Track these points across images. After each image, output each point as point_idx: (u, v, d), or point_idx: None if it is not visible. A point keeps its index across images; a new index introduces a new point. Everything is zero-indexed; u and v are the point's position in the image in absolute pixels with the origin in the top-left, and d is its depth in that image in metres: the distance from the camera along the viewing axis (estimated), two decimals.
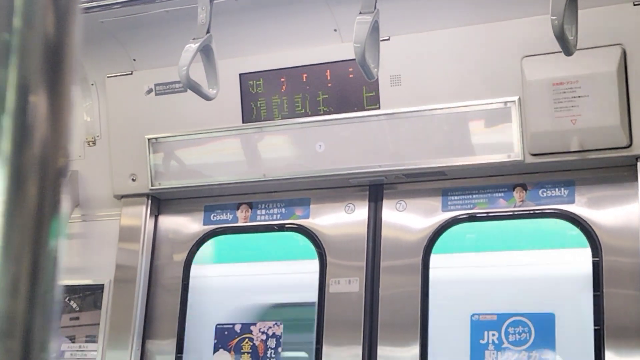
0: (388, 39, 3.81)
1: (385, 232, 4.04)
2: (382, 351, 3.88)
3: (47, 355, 0.73)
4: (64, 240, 0.77)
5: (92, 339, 4.32)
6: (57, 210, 0.76)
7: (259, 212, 4.32)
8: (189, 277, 4.35)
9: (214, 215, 4.40)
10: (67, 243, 4.44)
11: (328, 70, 4.01)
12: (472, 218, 3.94)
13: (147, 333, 4.32)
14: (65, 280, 4.38)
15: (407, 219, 4.01)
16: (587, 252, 3.66)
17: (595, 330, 3.54)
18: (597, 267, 3.62)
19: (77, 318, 4.38)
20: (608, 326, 3.52)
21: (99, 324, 4.32)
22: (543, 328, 3.68)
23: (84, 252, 4.49)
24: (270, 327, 4.16)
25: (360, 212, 4.10)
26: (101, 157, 4.47)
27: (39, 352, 0.72)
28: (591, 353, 3.54)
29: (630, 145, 3.50)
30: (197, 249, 4.39)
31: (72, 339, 4.35)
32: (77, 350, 4.32)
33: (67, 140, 0.77)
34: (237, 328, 4.21)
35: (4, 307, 0.70)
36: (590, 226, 3.67)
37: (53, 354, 0.73)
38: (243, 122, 4.16)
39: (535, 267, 3.91)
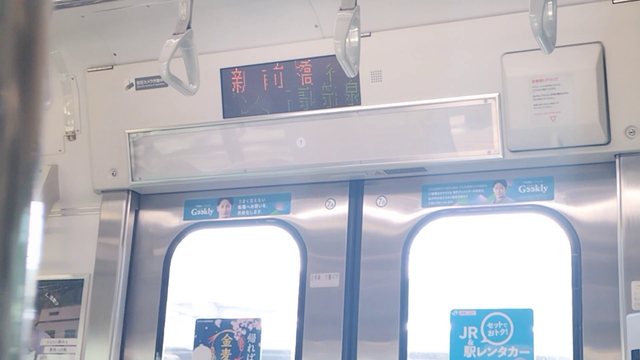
0: (369, 35, 3.82)
1: (365, 227, 4.05)
2: (362, 345, 3.89)
3: (19, 352, 0.73)
4: (36, 234, 0.77)
5: (71, 333, 4.30)
6: (29, 203, 0.76)
7: (239, 207, 4.32)
8: (169, 272, 4.35)
9: (195, 210, 4.40)
10: (47, 237, 4.43)
11: (309, 66, 4.01)
12: (452, 213, 3.96)
13: (127, 327, 4.31)
14: (45, 274, 4.37)
15: (387, 214, 4.02)
16: (566, 248, 3.68)
17: (573, 325, 3.57)
18: (576, 263, 3.64)
19: (57, 313, 4.36)
20: (586, 321, 3.54)
21: (78, 319, 4.31)
22: (522, 324, 3.70)
23: (64, 246, 4.48)
24: (250, 322, 4.16)
25: (340, 207, 4.11)
26: (81, 151, 4.46)
27: (10, 349, 0.72)
28: (570, 348, 3.56)
29: (608, 142, 3.52)
30: (177, 244, 4.39)
31: (52, 334, 4.34)
32: (57, 345, 4.31)
33: (38, 133, 0.77)
34: (217, 323, 4.21)
35: None
36: (569, 222, 3.70)
37: (25, 348, 0.73)
38: (224, 117, 4.16)
39: (514, 263, 3.93)
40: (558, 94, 3.54)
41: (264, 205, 4.28)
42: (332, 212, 4.12)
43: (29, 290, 0.76)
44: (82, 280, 4.36)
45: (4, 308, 0.72)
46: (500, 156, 3.71)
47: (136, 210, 4.47)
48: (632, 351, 3.28)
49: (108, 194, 4.44)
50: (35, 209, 0.76)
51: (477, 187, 3.91)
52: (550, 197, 3.76)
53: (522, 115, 3.62)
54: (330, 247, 4.07)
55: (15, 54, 0.76)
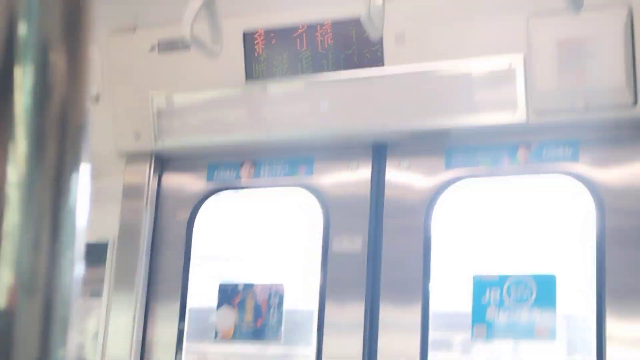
0: None
1: (388, 190, 4.04)
2: (385, 307, 3.90)
3: (69, 312, 0.74)
4: (85, 196, 0.77)
5: (97, 293, 4.34)
6: (78, 167, 0.76)
7: (262, 170, 4.32)
8: (192, 235, 4.37)
9: (218, 174, 4.40)
10: None
11: (332, 28, 3.99)
12: (475, 176, 3.95)
13: (150, 289, 4.34)
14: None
15: (410, 178, 4.02)
16: (591, 212, 3.67)
17: (597, 290, 3.56)
18: (600, 227, 3.62)
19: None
20: (610, 286, 3.53)
21: (103, 281, 4.34)
22: (544, 290, 3.69)
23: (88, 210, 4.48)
24: (273, 287, 4.18)
25: (363, 171, 4.11)
26: (104, 114, 4.46)
27: (61, 309, 0.73)
28: (593, 314, 3.56)
29: (635, 104, 3.49)
30: (200, 207, 4.40)
31: None
32: (82, 305, 4.35)
33: (86, 97, 0.77)
34: (240, 287, 4.24)
35: (26, 264, 0.71)
36: (594, 185, 3.68)
37: (77, 310, 0.74)
38: (246, 80, 4.15)
39: (538, 227, 3.92)
40: (584, 56, 3.50)
41: (286, 169, 4.27)
42: (354, 176, 4.12)
43: (80, 252, 0.76)
44: (106, 244, 4.39)
45: (57, 270, 0.73)
46: (525, 119, 3.69)
47: (159, 174, 4.48)
48: None
49: (131, 158, 4.45)
50: (85, 172, 0.76)
51: (500, 150, 3.89)
52: (576, 160, 3.74)
53: (547, 77, 3.59)
54: (353, 210, 4.07)
55: (62, 17, 0.76)
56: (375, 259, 3.97)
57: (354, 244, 4.01)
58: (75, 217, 0.76)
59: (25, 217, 0.72)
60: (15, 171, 0.71)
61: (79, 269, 0.75)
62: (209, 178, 4.42)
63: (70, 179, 0.75)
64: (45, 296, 0.72)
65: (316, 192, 4.17)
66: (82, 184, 0.76)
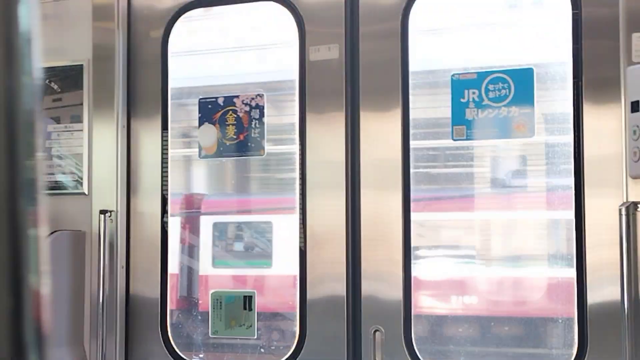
0: None
1: None
2: (365, 116, 3.93)
3: (34, 137, 0.74)
4: (36, 21, 0.76)
5: (77, 118, 4.34)
6: None
7: None
8: (168, 53, 4.33)
9: None
10: (40, 24, 4.36)
11: None
12: None
13: (130, 109, 4.34)
14: (43, 62, 4.35)
15: None
16: (567, 5, 3.63)
17: (574, 82, 3.58)
18: (576, 20, 3.60)
19: (60, 99, 4.38)
20: (587, 77, 3.55)
21: (82, 104, 4.34)
22: (522, 83, 3.71)
23: (58, 33, 4.43)
24: (253, 99, 4.18)
25: None
26: None
27: (25, 135, 0.73)
28: (570, 105, 3.60)
29: None
30: (173, 24, 4.33)
31: (57, 120, 4.38)
32: (64, 131, 4.36)
33: None
34: (220, 101, 4.24)
35: None
36: None
37: (40, 134, 0.74)
38: None
39: (515, 23, 3.90)
40: None
41: None
42: None
43: (37, 77, 0.76)
44: (82, 65, 4.35)
45: (13, 97, 0.72)
46: None
47: None
48: (632, 102, 3.33)
49: None
50: None
51: None
52: None
53: None
54: (328, 18, 4.02)
55: None
56: (354, 66, 3.96)
57: (331, 51, 3.98)
58: (28, 42, 0.75)
59: None
60: None
61: (37, 93, 0.75)
62: None
63: (19, 4, 0.74)
64: (6, 120, 0.72)
65: (289, 1, 4.11)
66: (32, 9, 0.75)
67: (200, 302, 4.49)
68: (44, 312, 0.69)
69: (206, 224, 4.77)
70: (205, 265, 4.71)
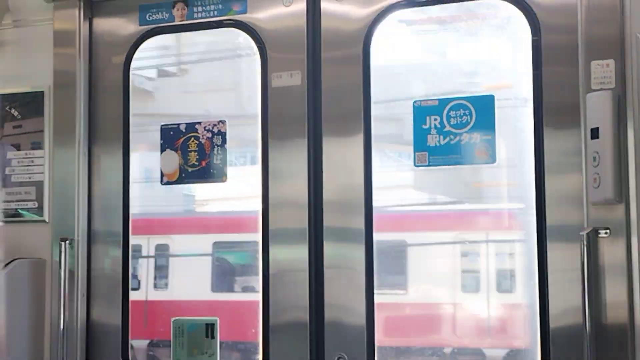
0: None
1: (324, 22, 4.00)
2: (328, 142, 3.94)
3: None
4: None
5: (37, 145, 4.31)
6: None
7: (195, 9, 4.24)
8: (129, 80, 4.32)
9: (150, 15, 4.31)
10: (0, 51, 4.35)
11: None
12: (412, 5, 3.91)
13: (92, 136, 4.32)
14: (3, 89, 4.33)
15: (346, 8, 3.97)
16: (527, 32, 3.68)
17: (534, 107, 3.62)
18: (536, 46, 3.64)
19: (20, 126, 4.35)
20: (547, 103, 3.59)
21: (43, 131, 4.31)
22: (483, 110, 3.74)
23: (19, 59, 4.41)
24: (215, 125, 4.18)
25: (298, 4, 4.04)
26: None
27: None
28: (531, 129, 3.63)
29: None
30: (135, 50, 4.33)
31: (18, 147, 4.34)
32: (24, 158, 4.33)
33: None
34: (183, 127, 4.23)
35: None
36: (529, 5, 3.67)
37: None
38: None
39: (476, 50, 3.94)
40: None
41: (220, 7, 4.19)
42: (290, 9, 4.05)
43: None
44: (42, 92, 4.32)
45: None
46: None
47: (90, 18, 4.37)
48: (592, 129, 3.36)
49: (59, 2, 4.32)
50: None
51: None
52: None
53: None
54: (290, 45, 4.04)
55: None
56: (316, 92, 3.98)
57: (293, 78, 4.00)
58: None
59: None
60: None
61: None
62: (141, 20, 4.32)
63: None
64: None
65: (251, 29, 4.12)
66: None
67: (161, 329, 4.45)
68: None
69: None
70: (168, 292, 4.68)
